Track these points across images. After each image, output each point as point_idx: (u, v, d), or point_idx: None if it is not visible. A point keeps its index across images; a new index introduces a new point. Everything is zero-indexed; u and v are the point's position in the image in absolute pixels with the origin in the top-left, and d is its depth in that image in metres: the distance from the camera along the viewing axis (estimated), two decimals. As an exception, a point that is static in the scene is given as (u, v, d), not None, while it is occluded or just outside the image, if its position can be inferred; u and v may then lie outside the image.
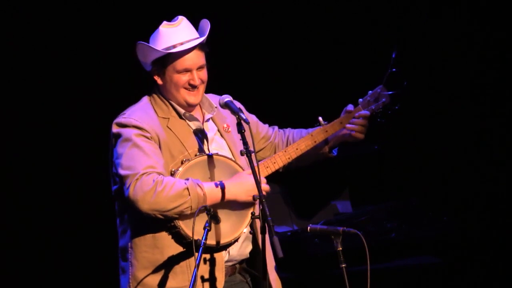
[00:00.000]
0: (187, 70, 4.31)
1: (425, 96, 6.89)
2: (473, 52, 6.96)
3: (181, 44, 4.29)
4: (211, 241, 4.15)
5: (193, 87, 4.32)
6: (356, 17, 7.10)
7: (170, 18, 4.41)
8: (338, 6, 7.10)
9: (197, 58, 4.31)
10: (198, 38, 4.32)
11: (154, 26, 4.39)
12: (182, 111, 4.36)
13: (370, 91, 4.69)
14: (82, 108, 6.64)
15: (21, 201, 6.63)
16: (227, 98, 4.32)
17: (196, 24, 4.40)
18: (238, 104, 4.37)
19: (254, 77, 7.00)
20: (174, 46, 4.28)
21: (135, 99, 4.47)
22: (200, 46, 4.31)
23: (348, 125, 4.63)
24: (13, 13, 6.51)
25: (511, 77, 6.90)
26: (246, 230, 4.31)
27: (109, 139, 4.34)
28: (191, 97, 4.34)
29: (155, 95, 4.40)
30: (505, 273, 6.65)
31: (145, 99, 4.43)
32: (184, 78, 4.32)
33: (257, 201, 4.11)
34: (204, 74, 4.35)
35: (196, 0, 6.53)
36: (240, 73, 6.88)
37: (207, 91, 4.47)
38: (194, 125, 4.39)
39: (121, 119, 4.30)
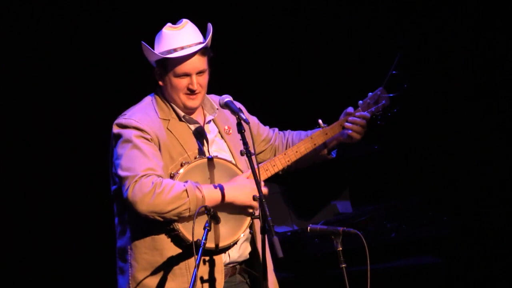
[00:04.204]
0: (187, 75, 4.30)
1: (425, 97, 6.90)
2: (472, 53, 6.96)
3: (182, 48, 4.27)
4: (210, 244, 4.15)
5: (192, 91, 4.32)
6: (357, 19, 7.10)
7: (174, 17, 4.40)
8: (339, 8, 7.10)
9: (198, 63, 4.29)
10: (200, 43, 4.29)
11: (159, 25, 4.38)
12: (181, 113, 4.35)
13: (370, 93, 4.68)
14: (82, 108, 6.65)
15: (20, 200, 6.63)
16: (227, 98, 4.32)
17: (201, 25, 4.37)
18: (238, 105, 4.36)
19: (255, 79, 7.00)
20: (175, 50, 4.27)
21: (136, 100, 4.47)
22: (202, 51, 4.29)
23: (346, 124, 4.62)
24: (26, 13, 6.52)
25: (511, 78, 6.92)
26: (244, 233, 4.31)
27: (110, 139, 4.34)
28: (190, 102, 4.33)
29: (157, 96, 4.40)
30: (505, 273, 6.65)
31: (147, 99, 4.42)
32: (183, 82, 4.30)
33: (257, 202, 4.12)
34: (203, 79, 4.33)
35: (199, 0, 6.54)
36: (241, 75, 6.88)
37: (209, 92, 4.46)
38: (194, 127, 4.38)
39: (121, 120, 4.29)
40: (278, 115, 5.37)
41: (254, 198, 4.09)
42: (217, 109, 4.43)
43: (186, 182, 4.15)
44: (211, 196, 4.16)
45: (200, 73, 4.31)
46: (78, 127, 6.63)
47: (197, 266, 3.92)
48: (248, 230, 4.34)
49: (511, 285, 6.60)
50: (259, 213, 4.02)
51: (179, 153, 4.28)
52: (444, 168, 7.07)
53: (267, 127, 4.73)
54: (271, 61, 7.10)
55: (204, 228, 4.01)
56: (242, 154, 4.11)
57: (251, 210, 4.26)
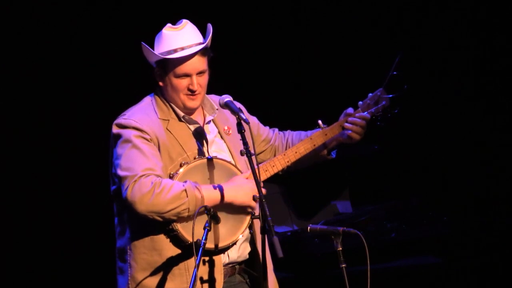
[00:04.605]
0: (187, 75, 4.30)
1: (425, 97, 6.90)
2: (472, 53, 6.97)
3: (182, 49, 4.27)
4: (210, 244, 4.15)
5: (192, 92, 4.32)
6: (357, 20, 7.10)
7: (174, 17, 4.40)
8: (339, 8, 7.10)
9: (198, 63, 4.30)
10: (200, 44, 4.29)
11: (158, 25, 4.38)
12: (181, 114, 4.36)
13: (370, 94, 4.68)
14: (82, 108, 6.65)
15: (20, 200, 6.63)
16: (227, 98, 4.32)
17: (201, 26, 4.38)
18: (238, 105, 4.36)
19: (255, 79, 7.00)
20: (175, 51, 4.27)
21: (136, 100, 4.47)
22: (202, 51, 4.29)
23: (346, 124, 4.62)
24: (26, 13, 6.53)
25: (511, 79, 6.92)
26: (243, 234, 4.31)
27: (109, 140, 4.34)
28: (190, 102, 4.33)
29: (156, 96, 4.40)
30: (505, 273, 6.64)
31: (147, 99, 4.43)
32: (183, 82, 4.31)
33: (257, 202, 4.12)
34: (204, 79, 4.33)
35: (199, 0, 6.54)
36: (241, 75, 6.88)
37: (209, 92, 4.46)
38: (194, 127, 4.38)
39: (121, 120, 4.30)
40: (278, 115, 5.37)
41: (254, 198, 4.09)
42: (217, 109, 4.43)
43: (185, 182, 4.15)
44: (210, 196, 4.16)
45: (200, 73, 4.31)
46: (78, 127, 6.63)
47: (197, 266, 3.92)
48: (247, 230, 4.34)
49: (511, 285, 6.60)
50: (259, 213, 4.02)
51: (179, 153, 4.28)
52: (444, 168, 7.07)
53: (267, 128, 4.73)
54: (271, 61, 7.10)
55: (204, 228, 4.01)
56: (242, 154, 4.11)
57: (250, 210, 4.26)
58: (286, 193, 6.61)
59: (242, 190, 4.22)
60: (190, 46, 4.28)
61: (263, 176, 4.42)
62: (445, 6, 6.95)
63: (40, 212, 6.67)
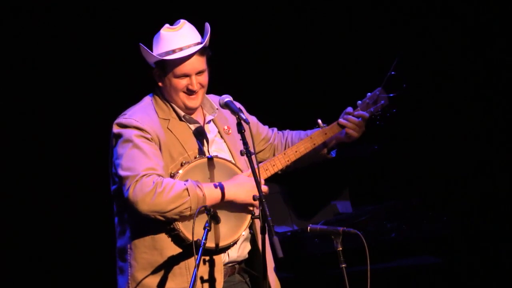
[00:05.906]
0: (186, 75, 4.31)
1: (425, 97, 6.90)
2: (472, 53, 6.97)
3: (181, 49, 4.28)
4: (210, 243, 4.16)
5: (192, 91, 4.32)
6: (356, 20, 7.11)
7: (173, 17, 4.41)
8: (339, 8, 7.11)
9: (197, 63, 4.31)
10: (198, 43, 4.30)
11: (158, 25, 4.38)
12: (182, 113, 4.37)
13: (369, 93, 4.68)
14: (82, 108, 6.65)
15: (21, 200, 6.63)
16: (227, 98, 4.33)
17: (200, 25, 4.38)
18: (238, 105, 4.37)
19: (255, 79, 7.01)
20: (173, 51, 4.28)
21: (136, 99, 4.48)
22: (201, 51, 4.30)
23: (341, 120, 4.63)
24: (26, 13, 6.53)
25: (510, 79, 6.92)
26: (244, 232, 4.32)
27: (110, 139, 4.34)
28: (190, 101, 4.34)
29: (156, 96, 4.41)
30: (505, 273, 6.65)
31: (147, 99, 4.43)
32: (182, 82, 4.32)
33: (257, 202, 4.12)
34: (203, 78, 4.35)
35: (198, 0, 6.54)
36: (241, 75, 6.88)
37: (209, 92, 4.47)
38: (194, 127, 4.39)
39: (122, 119, 4.30)
40: (278, 115, 5.37)
41: (254, 198, 4.09)
42: (217, 109, 4.44)
43: (187, 181, 4.16)
44: (212, 194, 4.17)
45: (199, 73, 4.32)
46: (78, 127, 6.64)
47: (197, 266, 3.93)
48: (248, 230, 4.35)
49: (511, 285, 6.60)
50: (259, 213, 4.02)
51: (179, 152, 4.28)
52: (444, 168, 7.07)
53: (266, 127, 4.74)
54: (271, 61, 7.10)
55: (204, 228, 4.01)
56: (242, 154, 4.12)
57: (251, 208, 4.27)
58: (286, 193, 6.60)
59: (243, 188, 4.22)
60: (189, 46, 4.29)
61: (264, 175, 4.43)
62: (445, 5, 6.95)
63: (40, 212, 6.67)
